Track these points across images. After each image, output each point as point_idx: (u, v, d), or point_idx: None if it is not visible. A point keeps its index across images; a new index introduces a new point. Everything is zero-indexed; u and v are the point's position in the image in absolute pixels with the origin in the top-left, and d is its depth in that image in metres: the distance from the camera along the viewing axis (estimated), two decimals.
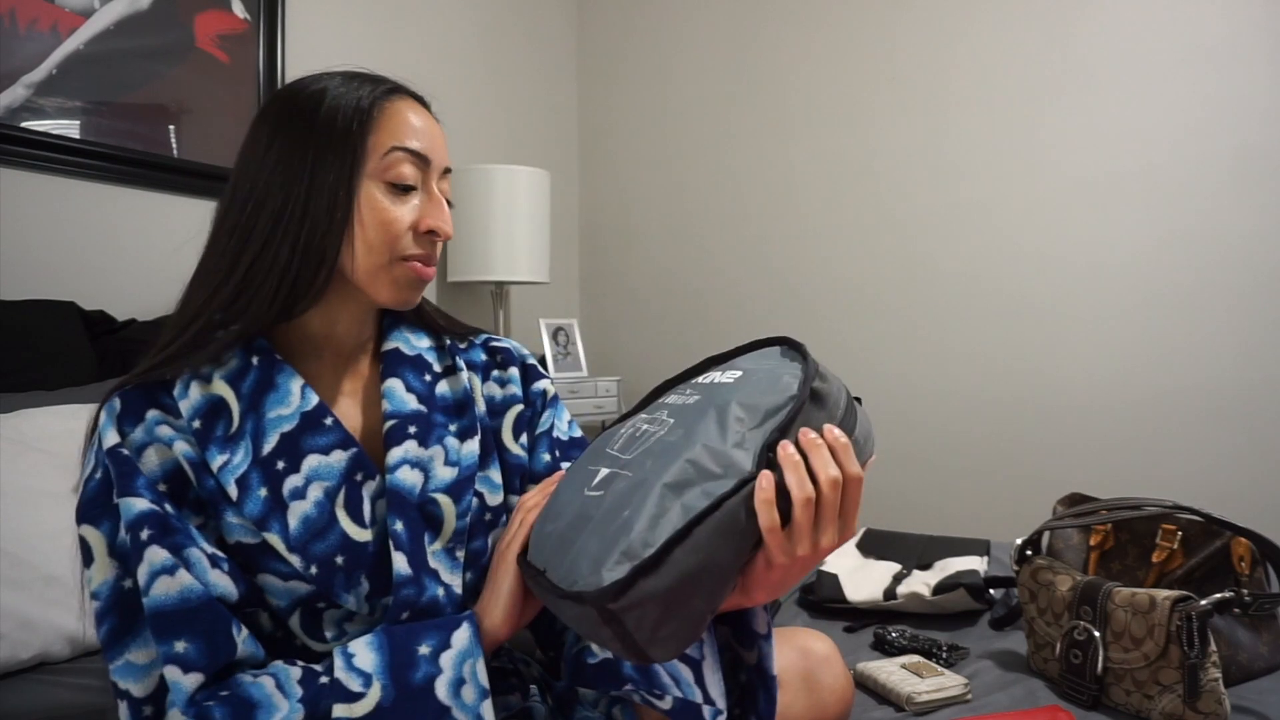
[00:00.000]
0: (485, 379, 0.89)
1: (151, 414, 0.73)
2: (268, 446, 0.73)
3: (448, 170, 0.81)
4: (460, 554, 0.79)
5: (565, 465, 0.88)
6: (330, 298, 0.79)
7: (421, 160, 0.78)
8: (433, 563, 0.76)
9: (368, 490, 0.76)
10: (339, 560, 0.73)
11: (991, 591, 1.47)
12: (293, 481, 0.73)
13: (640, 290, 3.00)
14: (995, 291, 2.34)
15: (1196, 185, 2.08)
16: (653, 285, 2.97)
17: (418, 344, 0.86)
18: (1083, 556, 1.35)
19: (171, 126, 1.89)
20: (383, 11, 2.41)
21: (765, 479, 0.60)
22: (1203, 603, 1.03)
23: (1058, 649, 1.16)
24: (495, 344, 0.92)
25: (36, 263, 1.66)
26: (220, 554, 0.71)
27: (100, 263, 1.76)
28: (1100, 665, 1.09)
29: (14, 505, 1.15)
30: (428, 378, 0.84)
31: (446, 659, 0.69)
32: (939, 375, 2.43)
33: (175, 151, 1.89)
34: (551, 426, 0.90)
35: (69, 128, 1.71)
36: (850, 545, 1.74)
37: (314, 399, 0.76)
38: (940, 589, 1.45)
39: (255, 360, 0.76)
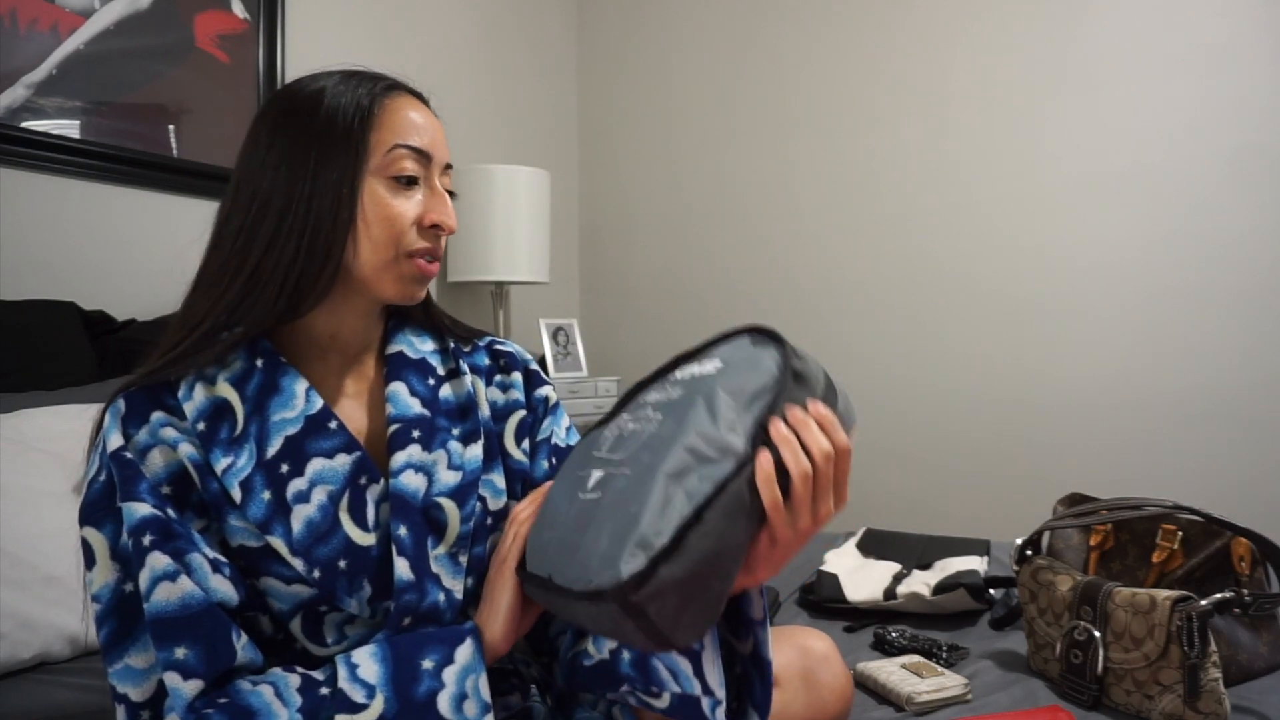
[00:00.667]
0: (488, 383, 0.89)
1: (156, 416, 0.73)
2: (271, 449, 0.73)
3: (449, 165, 0.82)
4: (463, 559, 0.79)
5: None
6: (335, 297, 0.78)
7: (423, 156, 0.78)
8: (435, 567, 0.76)
9: (371, 494, 0.76)
10: (342, 564, 0.73)
11: (991, 591, 1.47)
12: (296, 485, 0.73)
13: (640, 290, 3.00)
14: (995, 292, 2.34)
15: (1196, 185, 2.08)
16: (653, 285, 2.97)
17: (422, 347, 0.86)
18: (1083, 556, 1.35)
19: (171, 126, 1.89)
20: (383, 11, 2.41)
21: (764, 458, 0.62)
22: (1203, 603, 1.03)
23: (1058, 649, 1.15)
24: (499, 347, 0.92)
25: (36, 263, 1.66)
26: (222, 559, 0.71)
27: (100, 263, 1.76)
28: (1100, 665, 1.09)
29: (14, 505, 1.15)
30: (431, 381, 0.84)
31: (449, 674, 0.69)
32: (939, 375, 2.43)
33: (175, 151, 1.89)
34: (551, 434, 0.90)
35: (69, 128, 1.71)
36: (850, 545, 1.74)
37: (318, 402, 0.76)
38: (940, 589, 1.45)
39: (259, 362, 0.76)
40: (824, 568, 1.60)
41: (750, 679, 0.83)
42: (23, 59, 1.64)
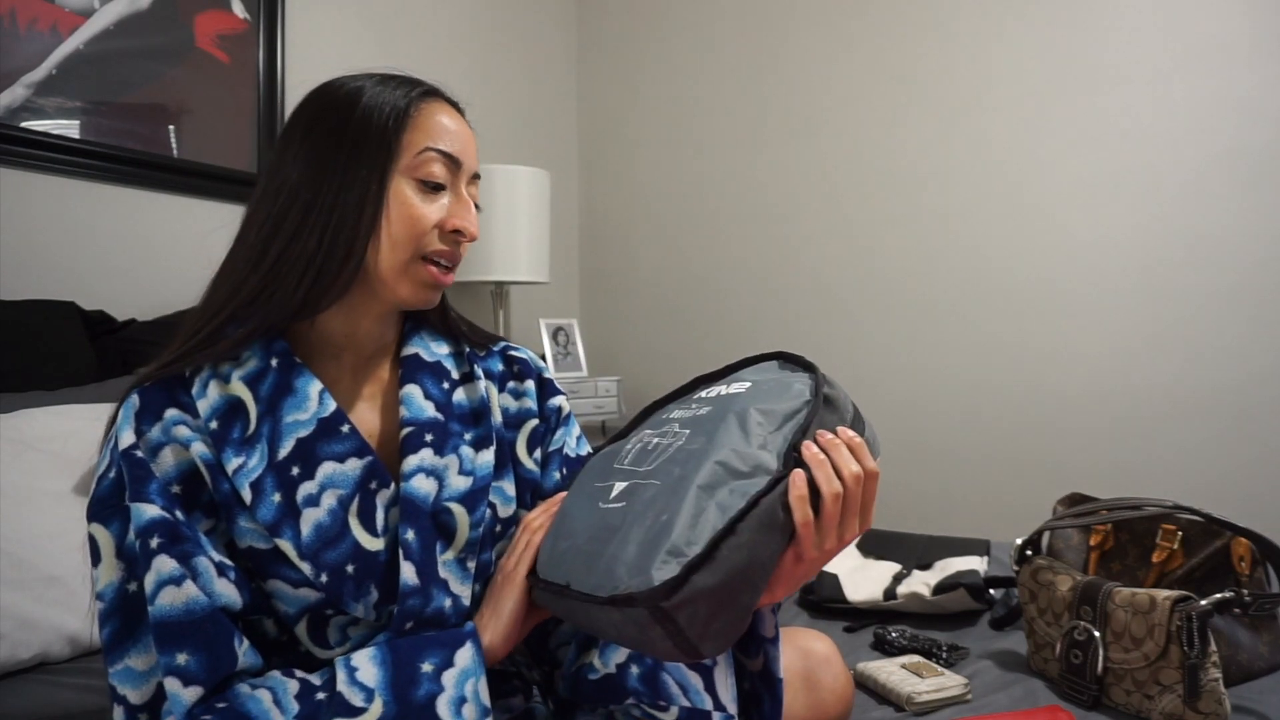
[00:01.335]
0: (501, 389, 0.89)
1: (170, 413, 0.72)
2: (283, 451, 0.73)
3: (477, 175, 0.82)
4: (471, 565, 0.79)
5: None
6: (353, 296, 0.78)
7: (453, 162, 0.78)
8: (443, 573, 0.76)
9: (381, 499, 0.76)
10: (349, 569, 0.73)
11: (991, 591, 1.47)
12: (307, 488, 0.73)
13: (640, 290, 3.00)
14: (996, 292, 2.34)
15: (1197, 185, 2.08)
16: (653, 285, 2.97)
17: (437, 350, 0.86)
18: (1083, 556, 1.35)
19: (171, 126, 1.89)
20: (383, 11, 2.41)
21: (799, 476, 0.64)
22: (1203, 603, 1.03)
23: (1058, 649, 1.16)
24: (513, 354, 0.92)
25: (36, 263, 1.66)
26: (228, 562, 0.71)
27: (100, 263, 1.76)
28: (1100, 665, 1.09)
29: (14, 505, 1.15)
30: (445, 385, 0.84)
31: (449, 677, 0.69)
32: (939, 376, 2.43)
33: (175, 151, 1.89)
34: (563, 445, 0.90)
35: (69, 128, 1.71)
36: (850, 545, 1.74)
37: (331, 405, 0.76)
38: (940, 589, 1.45)
39: (274, 362, 0.76)
40: (824, 567, 1.60)
41: (759, 695, 0.83)
42: (23, 59, 1.64)
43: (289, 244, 0.74)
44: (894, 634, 1.34)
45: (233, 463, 0.72)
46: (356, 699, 0.66)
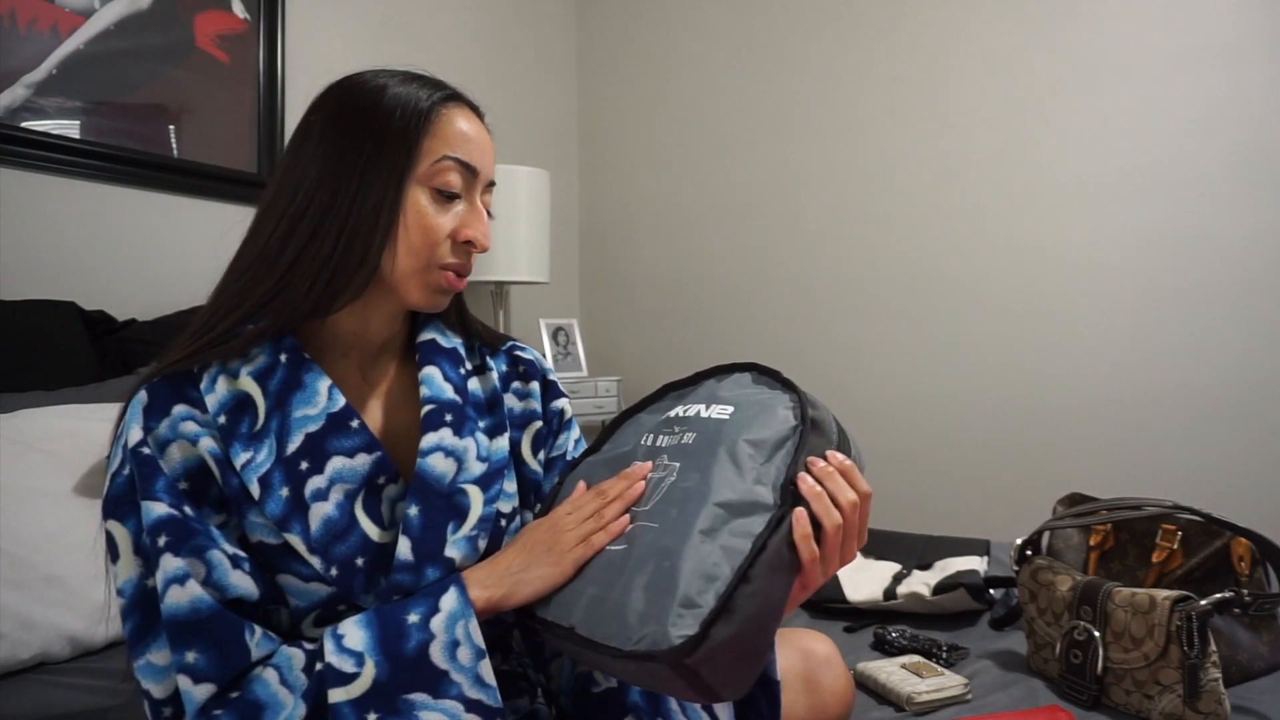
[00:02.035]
0: (505, 389, 0.89)
1: (178, 409, 0.72)
2: (292, 446, 0.73)
3: (492, 183, 0.82)
4: (483, 543, 0.78)
5: None
6: (366, 297, 0.79)
7: (470, 171, 0.78)
8: (450, 551, 0.75)
9: (388, 493, 0.76)
10: (359, 562, 0.73)
11: (991, 591, 1.47)
12: (315, 482, 0.73)
13: (640, 290, 3.00)
14: (995, 292, 2.34)
15: (1196, 185, 2.08)
16: (653, 285, 2.97)
17: (453, 339, 0.87)
18: (1083, 556, 1.35)
19: (171, 126, 1.89)
20: (383, 11, 2.41)
21: (801, 515, 0.64)
22: (1203, 603, 1.03)
23: (1058, 649, 1.16)
24: (519, 354, 0.93)
25: (36, 263, 1.66)
26: (241, 554, 0.71)
27: (100, 263, 1.76)
28: (1100, 665, 1.09)
29: (14, 505, 1.15)
30: (463, 371, 0.84)
31: (438, 623, 0.68)
32: (939, 375, 2.43)
33: (175, 151, 1.89)
34: (565, 452, 0.90)
35: (69, 128, 1.71)
36: None
37: (341, 400, 0.76)
38: (940, 589, 1.45)
39: (283, 358, 0.76)
40: None
41: (756, 699, 0.83)
42: (23, 59, 1.64)
43: (305, 245, 0.74)
44: (894, 634, 1.34)
45: (241, 457, 0.71)
46: (348, 665, 0.65)
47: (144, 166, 1.82)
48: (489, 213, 0.82)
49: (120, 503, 0.70)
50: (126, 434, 0.71)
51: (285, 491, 0.71)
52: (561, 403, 0.92)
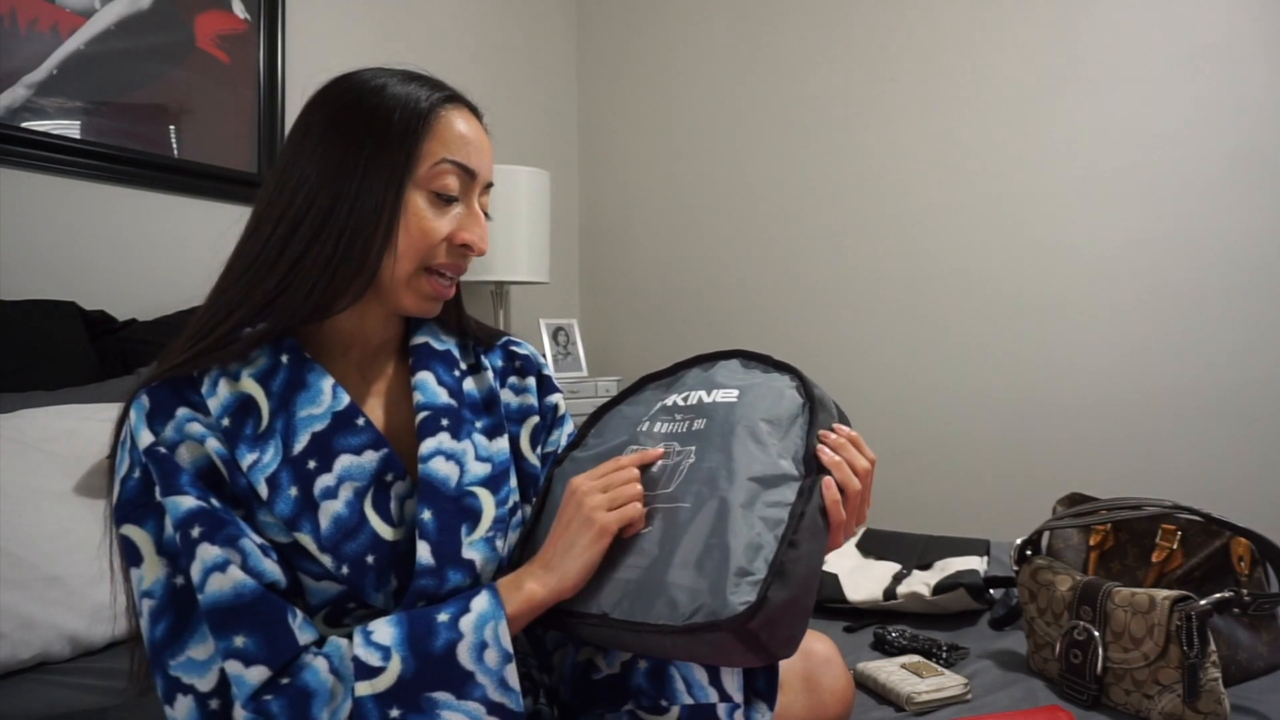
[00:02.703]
0: (503, 384, 0.89)
1: (181, 412, 0.72)
2: (298, 446, 0.73)
3: (490, 185, 0.82)
4: (500, 543, 0.78)
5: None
6: (364, 299, 0.79)
7: (468, 174, 0.78)
8: (468, 553, 0.75)
9: (397, 490, 0.76)
10: (370, 560, 0.73)
11: (991, 591, 1.47)
12: (324, 481, 0.73)
13: (640, 290, 3.00)
14: (996, 291, 2.34)
15: (1196, 184, 2.08)
16: (653, 285, 2.97)
17: (446, 339, 0.86)
18: (1082, 556, 1.35)
19: (171, 126, 1.89)
20: (383, 11, 2.41)
21: (829, 483, 0.68)
22: (1202, 603, 1.03)
23: (1057, 649, 1.16)
24: (514, 348, 0.93)
25: (36, 263, 1.66)
26: (267, 543, 0.71)
27: (100, 263, 1.76)
28: (1100, 665, 1.09)
29: (14, 505, 1.15)
30: (456, 373, 0.84)
31: (467, 623, 0.68)
32: (938, 375, 2.43)
33: (175, 151, 1.89)
34: (558, 447, 0.91)
35: (69, 128, 1.71)
36: (850, 545, 1.74)
37: (345, 398, 0.76)
38: (940, 589, 1.45)
39: (285, 359, 0.76)
40: (824, 567, 1.60)
41: (753, 671, 0.83)
42: (23, 59, 1.64)
43: (306, 248, 0.74)
44: (894, 634, 1.34)
45: (247, 459, 0.71)
46: (374, 659, 0.65)
47: (144, 166, 1.82)
48: (486, 214, 0.81)
49: (135, 505, 0.70)
50: (135, 438, 0.71)
51: (294, 491, 0.72)
52: (556, 398, 0.92)
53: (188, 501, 0.68)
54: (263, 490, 0.71)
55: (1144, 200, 2.14)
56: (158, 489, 0.69)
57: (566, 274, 3.09)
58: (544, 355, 2.61)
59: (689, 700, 0.75)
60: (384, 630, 0.67)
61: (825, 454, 0.69)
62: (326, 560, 0.71)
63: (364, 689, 0.64)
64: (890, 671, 1.18)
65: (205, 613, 0.66)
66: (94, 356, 1.57)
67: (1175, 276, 2.11)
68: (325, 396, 0.75)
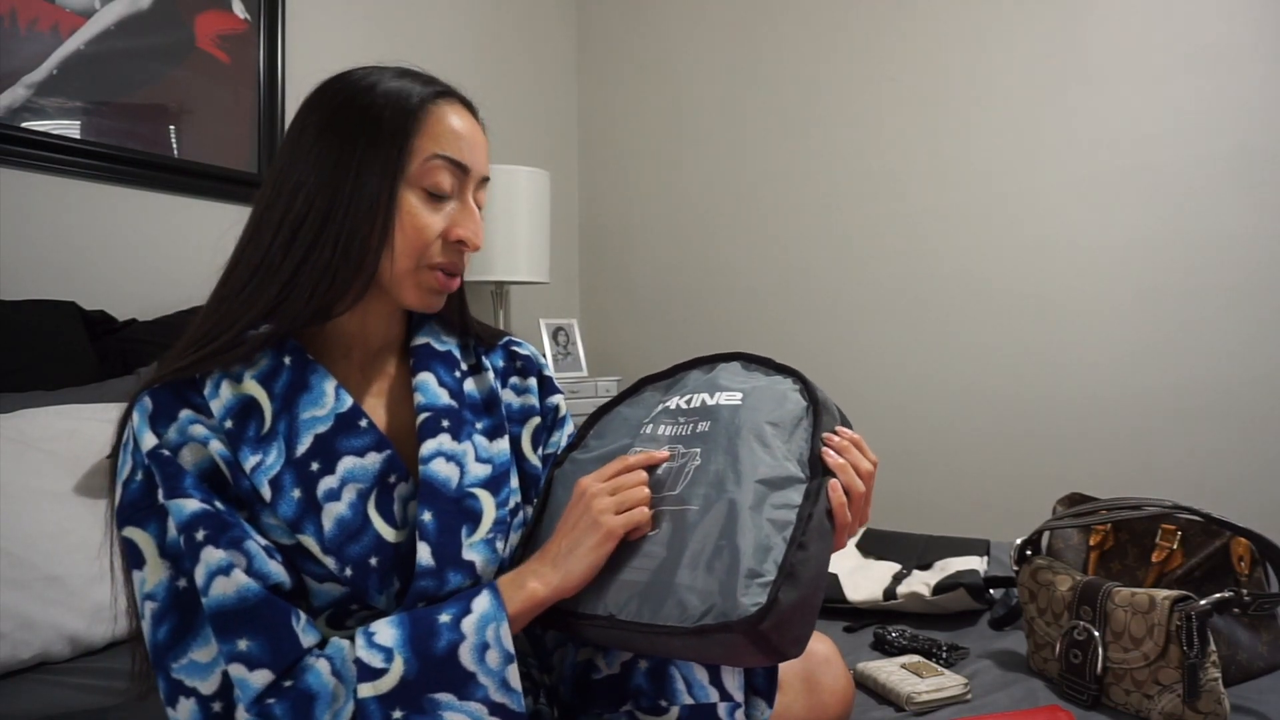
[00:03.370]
0: (504, 384, 0.89)
1: (184, 414, 0.72)
2: (301, 448, 0.73)
3: (485, 179, 0.81)
4: (501, 545, 0.78)
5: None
6: (365, 299, 0.78)
7: (461, 169, 0.77)
8: (468, 555, 0.75)
9: (399, 492, 0.76)
10: (373, 561, 0.73)
11: (991, 591, 1.47)
12: (327, 483, 0.73)
13: (641, 290, 3.00)
14: (995, 291, 2.34)
15: (1196, 184, 2.08)
16: (653, 285, 2.97)
17: (447, 340, 0.86)
18: (1082, 556, 1.35)
19: (172, 126, 1.89)
20: (383, 11, 2.41)
21: (835, 486, 0.69)
22: (1202, 603, 1.03)
23: (1057, 649, 1.16)
24: (516, 349, 0.93)
25: (36, 263, 1.66)
26: (271, 545, 0.71)
27: (100, 263, 1.76)
28: (1100, 665, 1.09)
29: (15, 505, 1.15)
30: (457, 374, 0.84)
31: (469, 624, 0.68)
32: (939, 375, 2.43)
33: (175, 151, 1.89)
34: (557, 449, 0.91)
35: (69, 128, 1.71)
36: (850, 545, 1.74)
37: (348, 400, 0.76)
38: (940, 589, 1.45)
39: (287, 360, 0.76)
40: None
41: (753, 671, 0.83)
42: (23, 59, 1.64)
43: (307, 253, 0.74)
44: (894, 634, 1.34)
45: (250, 461, 0.71)
46: (376, 660, 0.65)
47: (144, 166, 1.82)
48: (481, 209, 0.81)
49: (138, 508, 0.69)
50: (138, 440, 0.71)
51: (297, 493, 0.71)
52: (557, 399, 0.92)
53: (192, 504, 0.68)
54: (266, 492, 0.71)
55: (1144, 200, 2.14)
56: (160, 491, 0.69)
57: (566, 274, 3.09)
58: (544, 355, 2.61)
59: (689, 700, 0.75)
60: (386, 631, 0.67)
61: (830, 457, 0.70)
62: (330, 562, 0.71)
63: (367, 690, 0.64)
64: (890, 671, 1.18)
65: (209, 616, 0.66)
66: (94, 356, 1.57)
67: (1176, 276, 2.11)
68: (328, 398, 0.75)
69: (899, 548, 1.69)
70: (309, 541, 0.71)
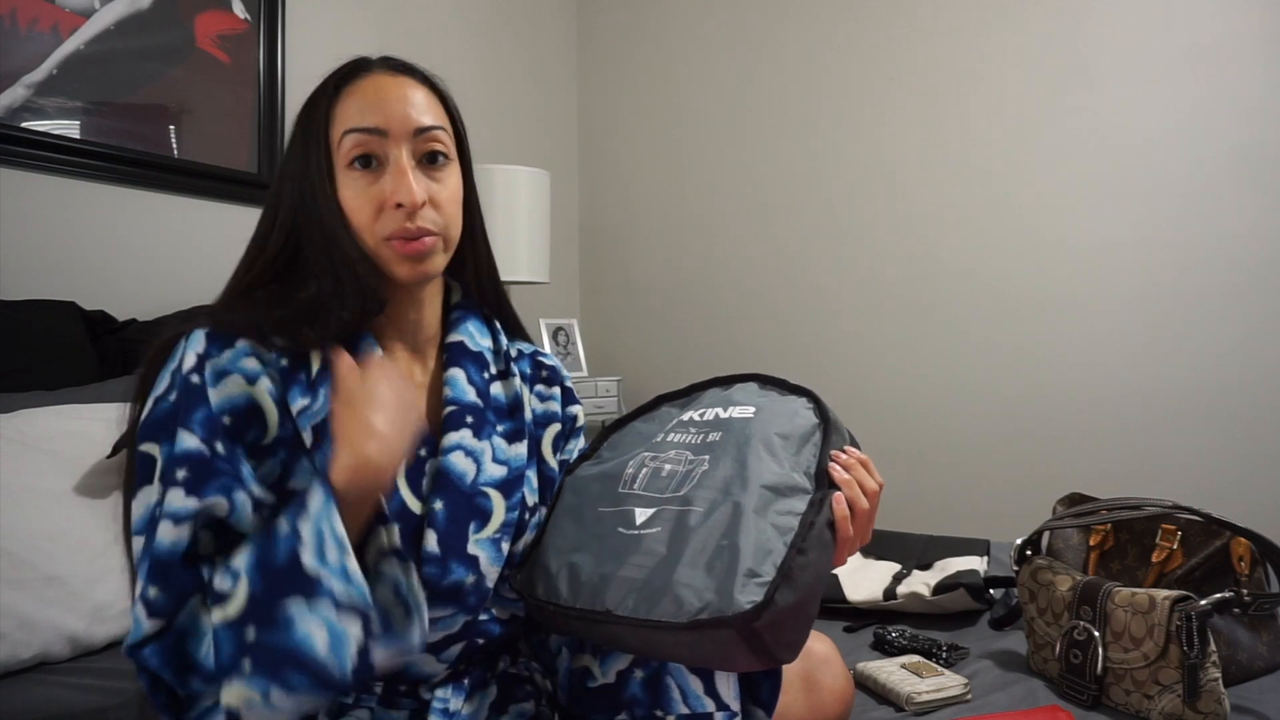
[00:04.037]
0: (530, 389, 0.91)
1: (242, 343, 0.72)
2: None
3: (423, 130, 0.77)
4: (506, 545, 0.79)
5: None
6: (391, 286, 0.79)
7: (374, 133, 0.75)
8: (473, 549, 0.76)
9: (428, 467, 0.78)
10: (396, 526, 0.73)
11: (991, 591, 1.47)
12: None
13: (640, 290, 3.00)
14: (995, 291, 2.34)
15: (1196, 185, 2.08)
16: (653, 285, 2.97)
17: (481, 342, 0.87)
18: (1082, 556, 1.35)
19: (171, 126, 1.89)
20: (383, 11, 2.41)
21: (839, 499, 0.71)
22: (1202, 603, 1.03)
23: (1057, 649, 1.16)
24: (542, 359, 0.94)
25: (36, 263, 1.66)
26: (267, 499, 0.70)
27: (100, 263, 1.76)
28: (1100, 665, 1.09)
29: (14, 505, 1.15)
30: (486, 376, 0.85)
31: (305, 527, 0.64)
32: (938, 375, 2.43)
33: (175, 151, 1.89)
34: (572, 457, 0.92)
35: (69, 128, 1.71)
36: None
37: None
38: (940, 589, 1.45)
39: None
40: None
41: (757, 681, 0.83)
42: (23, 59, 1.64)
43: (316, 258, 0.76)
44: (894, 634, 1.34)
45: (298, 403, 0.72)
46: (225, 584, 0.64)
47: (144, 166, 1.82)
48: (442, 155, 0.78)
49: (161, 426, 0.69)
50: (180, 359, 0.70)
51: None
52: (576, 409, 0.94)
53: (189, 441, 0.67)
54: (307, 437, 0.71)
55: (1144, 200, 2.14)
56: (178, 418, 0.69)
57: (566, 274, 3.09)
58: None
59: (685, 710, 0.75)
60: (239, 557, 0.65)
61: (837, 472, 0.72)
62: None
63: (217, 616, 0.63)
64: (890, 671, 1.18)
65: (149, 552, 0.66)
66: (94, 356, 1.57)
67: (1176, 275, 2.11)
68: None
69: (899, 548, 1.69)
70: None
